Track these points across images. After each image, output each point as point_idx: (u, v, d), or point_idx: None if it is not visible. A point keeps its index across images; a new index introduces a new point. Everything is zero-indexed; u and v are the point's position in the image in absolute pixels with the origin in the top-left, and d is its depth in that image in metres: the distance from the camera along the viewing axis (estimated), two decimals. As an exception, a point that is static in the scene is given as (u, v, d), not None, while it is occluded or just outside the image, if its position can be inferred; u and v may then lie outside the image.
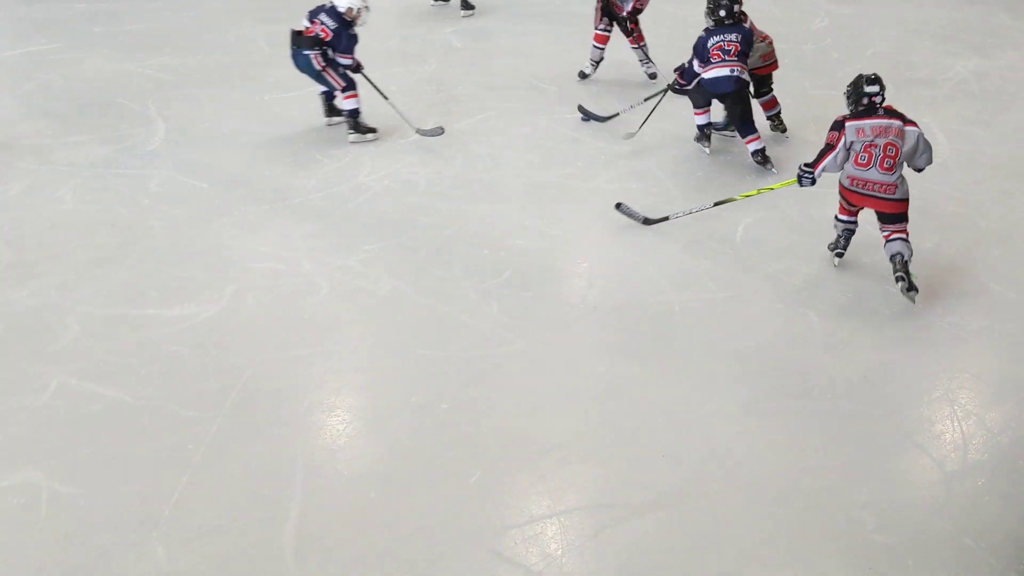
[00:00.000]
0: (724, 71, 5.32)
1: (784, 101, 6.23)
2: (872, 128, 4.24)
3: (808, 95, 6.88)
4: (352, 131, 5.63)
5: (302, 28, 5.44)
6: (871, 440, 3.41)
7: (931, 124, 6.33)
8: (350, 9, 5.44)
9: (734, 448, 3.33)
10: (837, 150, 4.28)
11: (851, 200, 4.35)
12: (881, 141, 4.21)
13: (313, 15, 5.46)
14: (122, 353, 3.63)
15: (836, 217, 4.49)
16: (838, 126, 4.35)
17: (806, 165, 4.37)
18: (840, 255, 4.52)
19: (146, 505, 2.98)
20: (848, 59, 7.72)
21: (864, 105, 4.35)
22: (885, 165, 4.19)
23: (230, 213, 4.75)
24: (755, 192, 4.78)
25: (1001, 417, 3.55)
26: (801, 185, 4.38)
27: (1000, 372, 3.87)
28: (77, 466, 3.13)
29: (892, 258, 4.22)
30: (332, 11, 5.44)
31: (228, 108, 6.05)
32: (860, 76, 4.47)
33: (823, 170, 4.33)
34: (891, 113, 4.34)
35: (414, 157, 5.49)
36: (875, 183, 4.21)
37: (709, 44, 5.38)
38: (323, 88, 5.69)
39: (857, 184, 4.26)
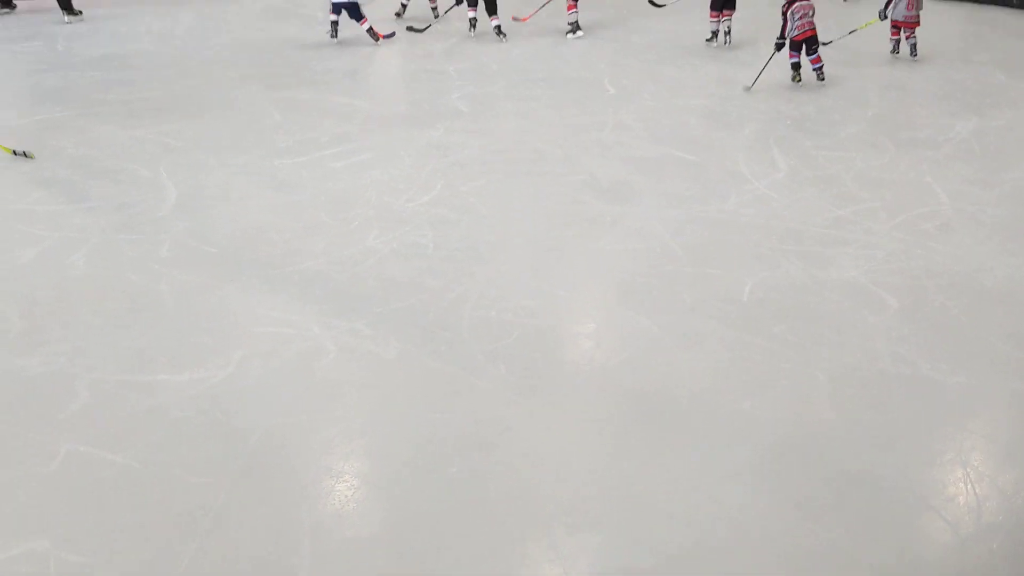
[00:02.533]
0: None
1: (787, 161, 6.32)
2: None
3: (810, 155, 6.96)
4: None
5: None
6: (882, 502, 3.38)
7: (933, 184, 6.40)
8: None
9: (742, 510, 3.31)
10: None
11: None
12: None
13: None
14: (131, 419, 3.64)
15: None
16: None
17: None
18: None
19: (154, 573, 2.96)
20: (848, 120, 7.83)
21: None
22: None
23: (239, 278, 4.80)
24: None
25: (1014, 478, 3.53)
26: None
27: (1011, 432, 3.85)
28: (85, 534, 3.11)
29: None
30: None
31: (238, 173, 6.14)
32: None
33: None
34: None
35: (421, 219, 5.56)
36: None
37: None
38: None
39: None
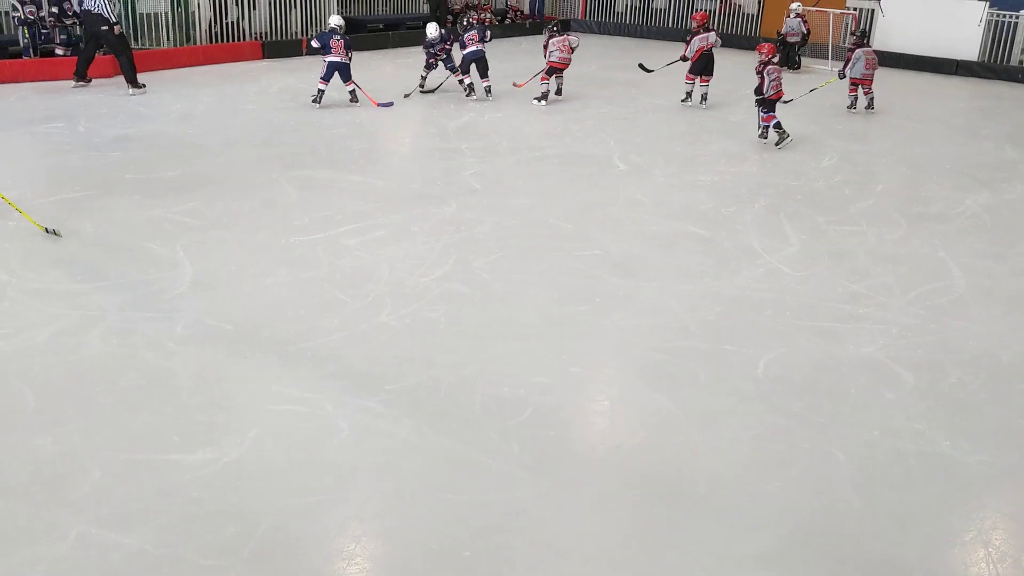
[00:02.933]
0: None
1: (799, 236, 6.35)
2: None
3: (821, 230, 6.99)
4: None
5: None
6: (907, 586, 3.30)
7: (946, 258, 6.40)
8: None
9: (765, 595, 3.23)
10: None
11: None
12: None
13: None
14: (143, 500, 3.60)
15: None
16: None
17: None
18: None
19: (162, 661, 2.90)
20: (859, 195, 7.89)
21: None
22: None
23: (254, 355, 4.81)
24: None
25: (1039, 560, 3.45)
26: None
27: (1035, 511, 3.77)
28: (93, 619, 3.06)
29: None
30: None
31: (254, 251, 6.20)
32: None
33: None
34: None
35: (434, 295, 5.58)
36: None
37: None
38: None
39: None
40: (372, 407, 4.34)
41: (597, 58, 14.15)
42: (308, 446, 4.02)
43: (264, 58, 13.80)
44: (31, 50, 11.81)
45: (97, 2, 10.74)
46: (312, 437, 4.09)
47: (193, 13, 13.67)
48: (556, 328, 5.25)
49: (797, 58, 14.85)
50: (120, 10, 12.88)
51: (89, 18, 10.90)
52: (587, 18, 19.21)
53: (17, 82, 11.31)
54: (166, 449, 3.94)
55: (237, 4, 13.85)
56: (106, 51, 11.38)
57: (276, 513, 3.56)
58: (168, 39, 13.49)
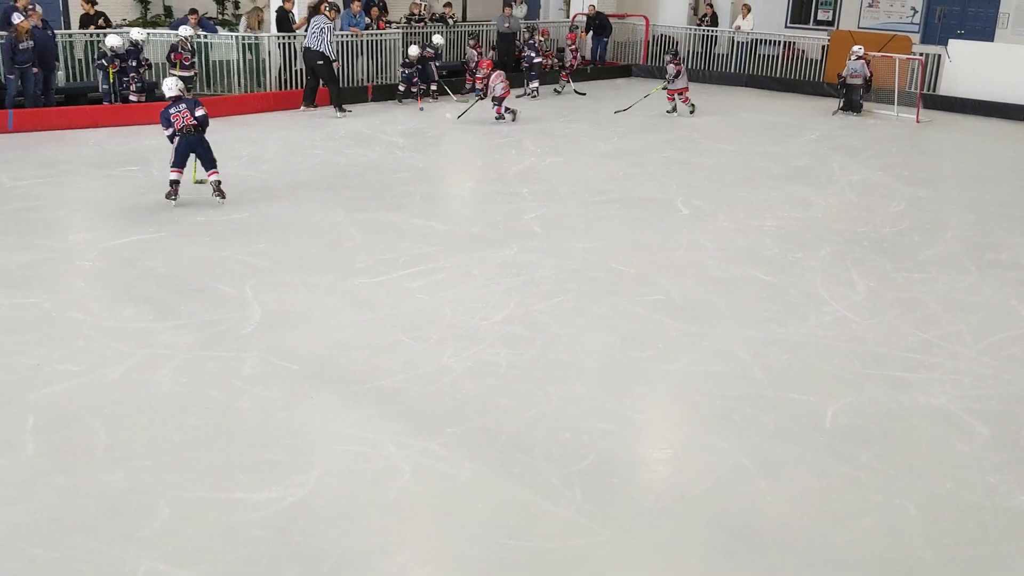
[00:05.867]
0: None
1: (866, 283, 6.25)
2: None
3: (890, 277, 6.87)
4: None
5: None
6: (986, 648, 3.18)
7: (1018, 307, 6.24)
8: None
9: (836, 653, 3.13)
10: None
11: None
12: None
13: None
14: (209, 538, 3.65)
15: None
16: None
17: None
18: None
19: None
20: (928, 241, 7.74)
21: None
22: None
23: (318, 395, 4.86)
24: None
25: None
26: None
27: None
28: (159, 656, 3.09)
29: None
30: None
31: (319, 293, 6.30)
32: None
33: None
34: None
35: (495, 338, 5.59)
36: None
37: None
38: None
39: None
40: (434, 449, 4.35)
41: (657, 102, 14.20)
42: (371, 487, 4.04)
43: (331, 104, 14.11)
44: (111, 95, 12.27)
45: (321, 40, 12.79)
46: (375, 478, 4.10)
47: (264, 60, 14.08)
48: (618, 373, 5.21)
49: (859, 102, 14.71)
50: (199, 57, 13.38)
51: (308, 53, 13.04)
52: (649, 62, 19.31)
53: (96, 127, 11.74)
54: (232, 487, 3.99)
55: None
56: (322, 83, 13.38)
57: (340, 553, 3.57)
58: (239, 85, 13.90)
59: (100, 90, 12.36)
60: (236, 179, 9.25)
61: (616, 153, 11.37)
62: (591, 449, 4.37)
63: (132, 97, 12.34)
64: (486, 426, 4.59)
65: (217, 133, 11.46)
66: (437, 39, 14.94)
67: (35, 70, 11.57)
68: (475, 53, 15.77)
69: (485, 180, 10.32)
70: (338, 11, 13.30)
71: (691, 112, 14.06)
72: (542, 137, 12.08)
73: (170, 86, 8.42)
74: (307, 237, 7.52)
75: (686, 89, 14.14)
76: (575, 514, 3.87)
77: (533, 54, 15.59)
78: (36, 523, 3.71)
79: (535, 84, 15.57)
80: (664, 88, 14.16)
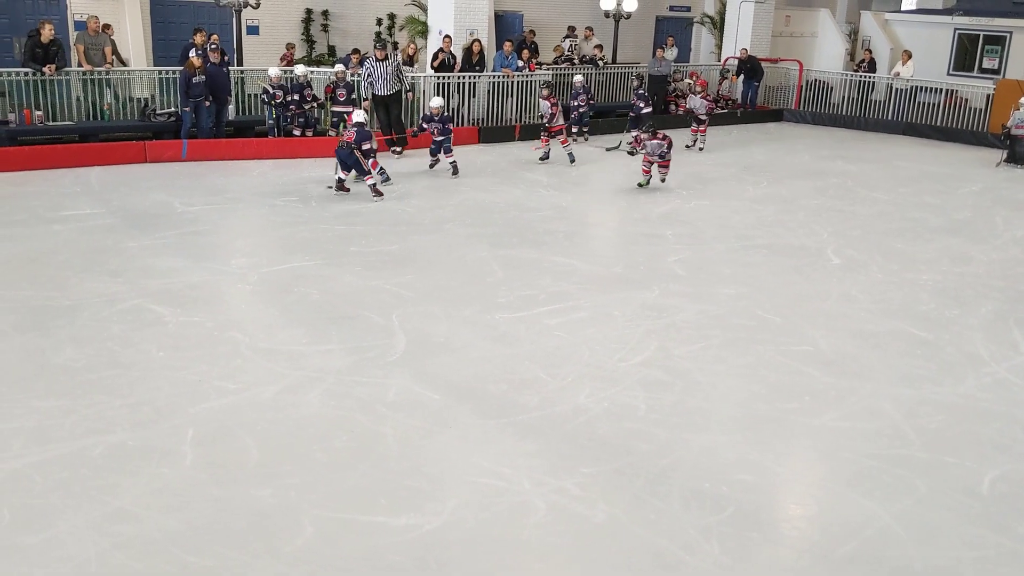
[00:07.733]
0: None
1: (940, 267, 5.86)
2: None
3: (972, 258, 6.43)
4: None
5: None
6: None
7: None
8: None
9: None
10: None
11: None
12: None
13: None
14: (349, 559, 3.76)
15: None
16: None
17: None
18: None
19: None
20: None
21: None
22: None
23: (457, 425, 4.95)
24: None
25: None
26: None
27: None
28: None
29: None
30: None
31: (462, 325, 6.43)
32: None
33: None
34: None
35: (633, 380, 5.55)
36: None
37: None
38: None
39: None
40: (568, 489, 4.34)
41: (810, 148, 13.85)
42: (505, 522, 4.07)
43: (479, 142, 14.44)
44: (275, 130, 12.98)
45: (383, 84, 12.70)
46: (509, 513, 4.13)
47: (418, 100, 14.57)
48: (761, 424, 5.07)
49: None
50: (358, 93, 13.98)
51: (385, 100, 12.94)
52: (801, 107, 18.87)
53: (261, 158, 12.43)
54: (373, 511, 4.10)
55: (458, 92, 14.61)
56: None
57: (473, 586, 3.60)
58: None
59: (266, 124, 13.09)
60: (387, 212, 9.59)
61: (766, 198, 11.14)
62: (731, 501, 4.26)
63: (295, 132, 13.00)
64: (622, 469, 4.55)
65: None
66: (436, 101, 12.13)
67: (207, 103, 12.38)
68: (548, 104, 12.82)
69: (628, 220, 10.31)
70: (384, 48, 13.18)
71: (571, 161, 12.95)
72: (688, 180, 11.98)
73: (356, 115, 10.72)
74: (451, 270, 7.70)
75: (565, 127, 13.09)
76: (712, 566, 3.78)
77: (641, 104, 14.74)
78: (191, 531, 3.92)
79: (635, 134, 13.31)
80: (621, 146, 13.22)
